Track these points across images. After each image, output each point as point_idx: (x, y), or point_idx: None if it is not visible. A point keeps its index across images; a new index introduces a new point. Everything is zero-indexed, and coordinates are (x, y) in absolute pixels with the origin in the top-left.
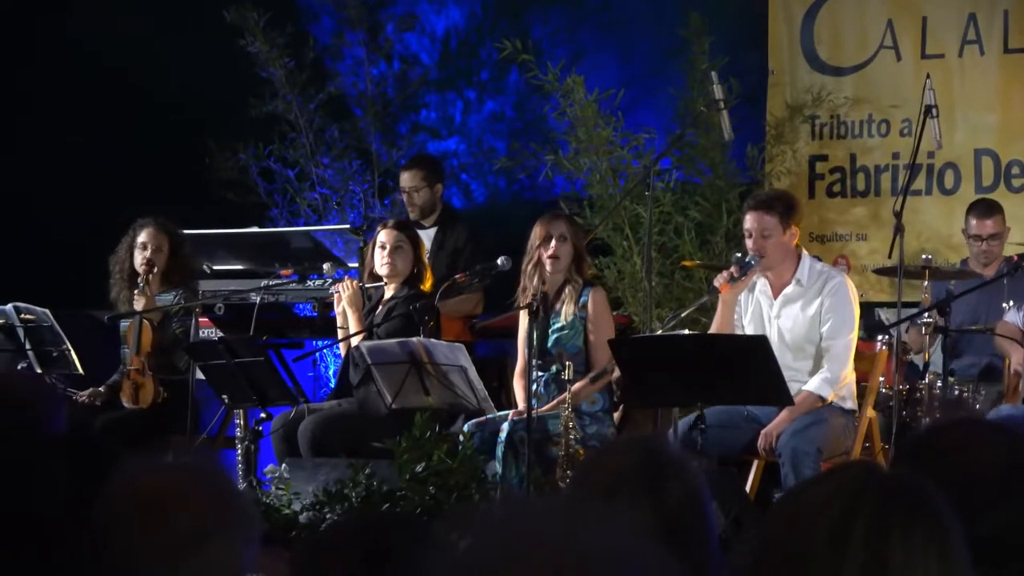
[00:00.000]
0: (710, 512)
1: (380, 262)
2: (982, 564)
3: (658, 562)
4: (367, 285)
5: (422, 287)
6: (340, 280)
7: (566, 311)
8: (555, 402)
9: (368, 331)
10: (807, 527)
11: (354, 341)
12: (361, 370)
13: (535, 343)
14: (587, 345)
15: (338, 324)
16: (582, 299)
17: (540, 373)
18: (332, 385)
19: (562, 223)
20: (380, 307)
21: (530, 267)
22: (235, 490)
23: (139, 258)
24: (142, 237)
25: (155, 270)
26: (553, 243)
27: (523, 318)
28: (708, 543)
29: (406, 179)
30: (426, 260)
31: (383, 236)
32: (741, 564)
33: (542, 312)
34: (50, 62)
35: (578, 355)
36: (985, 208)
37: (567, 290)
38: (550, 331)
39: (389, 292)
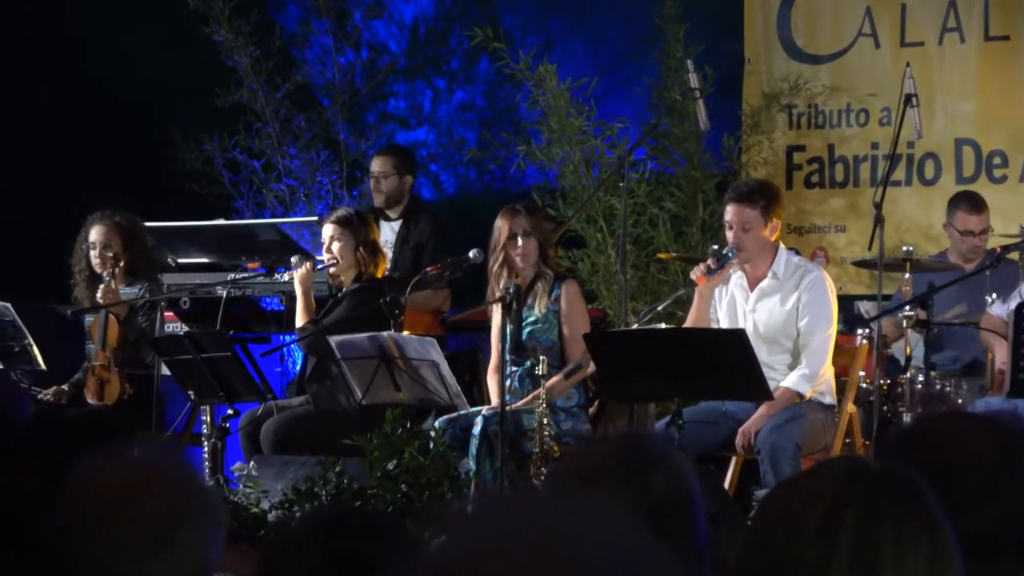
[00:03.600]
0: (698, 506)
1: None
2: (972, 560)
3: (651, 558)
4: (320, 267)
5: (374, 273)
6: None
7: (539, 304)
8: (529, 397)
9: (315, 321)
10: (797, 521)
11: (298, 323)
12: (313, 363)
13: (509, 337)
14: (561, 339)
15: None
16: (554, 292)
17: (514, 368)
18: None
19: (522, 218)
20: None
21: (496, 267)
22: (200, 481)
23: (92, 257)
24: (92, 236)
25: (121, 264)
26: (519, 241)
27: (496, 312)
28: (696, 537)
29: (376, 164)
30: (380, 245)
31: (323, 232)
32: (729, 559)
33: (515, 306)
34: (11, 52)
35: (552, 349)
36: (975, 203)
37: (539, 284)
38: (523, 325)
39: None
